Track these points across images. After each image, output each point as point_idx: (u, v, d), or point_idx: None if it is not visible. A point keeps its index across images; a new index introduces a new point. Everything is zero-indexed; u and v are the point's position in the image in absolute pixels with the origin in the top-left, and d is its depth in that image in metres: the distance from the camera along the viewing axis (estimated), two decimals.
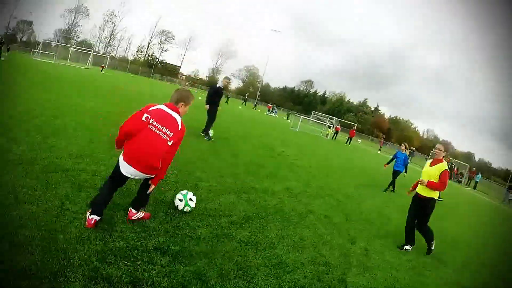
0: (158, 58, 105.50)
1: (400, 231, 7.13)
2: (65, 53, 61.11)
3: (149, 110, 3.82)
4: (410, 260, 5.86)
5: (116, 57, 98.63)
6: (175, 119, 3.89)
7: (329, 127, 37.40)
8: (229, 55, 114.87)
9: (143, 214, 4.30)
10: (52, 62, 42.65)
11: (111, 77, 38.90)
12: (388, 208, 9.56)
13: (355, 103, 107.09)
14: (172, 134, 3.81)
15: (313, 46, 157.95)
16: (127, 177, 3.87)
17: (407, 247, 6.30)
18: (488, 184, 51.72)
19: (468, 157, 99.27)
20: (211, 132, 11.73)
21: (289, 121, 45.24)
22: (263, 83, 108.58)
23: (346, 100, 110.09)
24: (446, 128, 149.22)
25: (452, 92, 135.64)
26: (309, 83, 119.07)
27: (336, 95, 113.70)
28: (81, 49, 59.72)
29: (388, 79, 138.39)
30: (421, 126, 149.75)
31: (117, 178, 3.90)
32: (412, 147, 58.12)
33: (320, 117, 50.87)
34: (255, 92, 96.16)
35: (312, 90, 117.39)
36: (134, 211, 4.17)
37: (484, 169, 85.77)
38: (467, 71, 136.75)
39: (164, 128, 3.78)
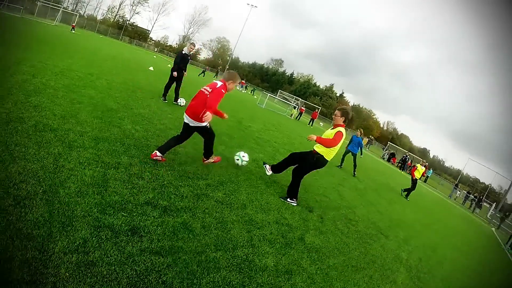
0: (129, 21, 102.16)
1: (351, 205, 8.10)
2: (32, 7, 58.19)
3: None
4: (358, 231, 6.82)
5: (84, 15, 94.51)
6: (216, 83, 5.81)
7: (294, 107, 38.25)
8: (201, 24, 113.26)
9: (214, 158, 6.66)
10: (19, 16, 40.84)
11: (82, 37, 37.84)
12: (342, 186, 10.54)
13: (321, 87, 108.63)
14: (210, 90, 5.68)
15: (289, 26, 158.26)
16: (186, 124, 5.89)
17: (267, 169, 7.10)
18: (439, 180, 54.68)
19: (424, 152, 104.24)
20: (183, 100, 12.32)
21: (255, 97, 45.84)
22: (233, 56, 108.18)
23: (313, 83, 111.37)
24: (406, 123, 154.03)
25: (417, 89, 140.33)
26: (279, 61, 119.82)
27: (304, 76, 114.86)
28: (49, 4, 56.81)
29: (358, 68, 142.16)
30: (382, 117, 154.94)
31: (183, 128, 6.01)
32: (370, 136, 60.41)
33: (286, 97, 51.52)
34: (224, 65, 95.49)
35: (281, 69, 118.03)
36: (205, 159, 6.52)
37: (437, 166, 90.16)
38: (434, 71, 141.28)
39: (208, 88, 5.78)
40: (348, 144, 15.03)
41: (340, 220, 6.95)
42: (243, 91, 52.45)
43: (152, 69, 23.36)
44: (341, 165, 14.76)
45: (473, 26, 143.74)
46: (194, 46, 12.67)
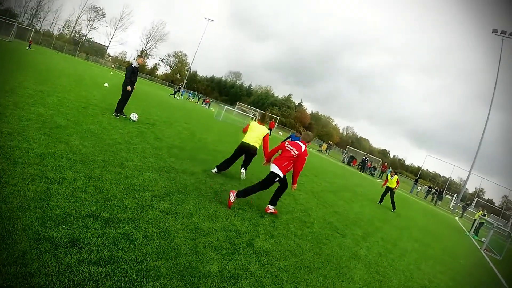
0: (86, 36, 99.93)
1: (306, 208, 8.37)
2: None
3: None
4: (313, 232, 7.01)
5: (41, 30, 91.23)
6: (300, 146, 6.83)
7: (252, 118, 38.54)
8: (159, 39, 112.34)
9: (275, 210, 7.25)
10: None
11: (37, 54, 36.75)
12: (298, 190, 10.69)
13: (279, 97, 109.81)
14: (297, 152, 6.79)
15: (247, 39, 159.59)
16: (274, 173, 6.75)
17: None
18: (401, 178, 56.67)
19: (384, 153, 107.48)
20: (135, 115, 12.29)
21: (212, 110, 45.90)
22: (191, 70, 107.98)
23: (271, 94, 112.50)
24: (365, 127, 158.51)
25: (374, 93, 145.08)
26: (237, 74, 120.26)
27: (262, 88, 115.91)
28: (4, 18, 54.24)
29: (316, 76, 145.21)
30: (342, 123, 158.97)
31: (270, 176, 6.80)
32: (330, 142, 61.89)
33: (244, 109, 51.88)
34: (182, 79, 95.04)
35: (239, 82, 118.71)
36: (270, 207, 7.18)
37: (398, 165, 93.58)
38: (389, 75, 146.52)
39: (292, 148, 6.90)
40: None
41: (294, 223, 7.12)
42: (206, 107, 52.19)
43: (107, 86, 23.04)
44: None
45: (425, 31, 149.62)
46: (144, 58, 12.75)
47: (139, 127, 11.37)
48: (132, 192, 5.47)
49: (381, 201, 16.33)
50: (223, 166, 8.73)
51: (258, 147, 8.70)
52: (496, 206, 65.46)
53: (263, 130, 8.84)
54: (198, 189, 6.88)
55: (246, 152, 8.81)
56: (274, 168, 6.78)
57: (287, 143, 7.08)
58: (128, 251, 3.75)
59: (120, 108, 12.28)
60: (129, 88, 12.10)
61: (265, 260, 4.81)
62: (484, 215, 21.80)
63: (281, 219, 7.06)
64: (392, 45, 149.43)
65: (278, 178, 6.77)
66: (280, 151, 7.25)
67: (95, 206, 4.50)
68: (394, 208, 15.80)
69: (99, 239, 3.77)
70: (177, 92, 55.49)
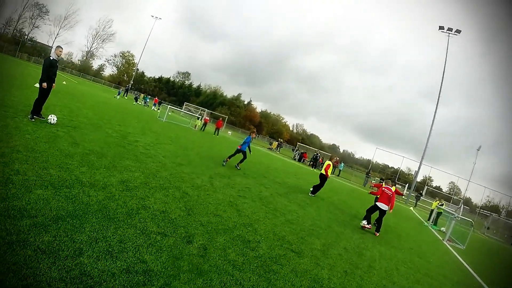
0: (27, 35, 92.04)
1: (251, 221, 6.83)
2: None
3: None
4: (260, 256, 5.40)
5: None
6: (391, 189, 11.72)
7: (198, 118, 36.78)
8: (106, 38, 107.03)
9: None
10: None
11: None
12: (243, 198, 9.15)
13: (228, 97, 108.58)
14: (391, 193, 11.61)
15: (197, 39, 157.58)
16: (380, 208, 11.47)
17: None
18: (351, 171, 57.62)
19: (333, 148, 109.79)
20: (54, 118, 10.31)
21: (158, 110, 43.61)
22: (139, 71, 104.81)
23: (220, 93, 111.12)
24: (315, 123, 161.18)
25: (322, 92, 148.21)
26: (186, 74, 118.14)
27: (211, 88, 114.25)
28: None
29: (266, 76, 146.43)
30: (292, 121, 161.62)
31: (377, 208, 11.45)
32: (280, 139, 61.48)
33: (192, 109, 50.23)
34: (128, 80, 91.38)
35: (187, 82, 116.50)
36: (376, 232, 11.26)
37: (348, 159, 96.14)
38: (338, 74, 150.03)
39: (387, 191, 11.55)
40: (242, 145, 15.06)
41: (234, 245, 5.47)
42: (155, 109, 49.44)
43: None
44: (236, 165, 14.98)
45: (370, 31, 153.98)
46: (62, 48, 10.79)
47: (55, 131, 9.33)
48: (3, 221, 3.74)
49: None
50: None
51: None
52: (444, 192, 68.48)
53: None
54: (105, 208, 5.11)
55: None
56: (381, 206, 11.43)
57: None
58: None
59: (36, 109, 10.25)
60: (44, 85, 10.21)
61: None
62: (442, 205, 21.67)
63: (216, 242, 5.35)
64: (340, 44, 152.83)
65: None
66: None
67: None
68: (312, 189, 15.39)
69: None
70: (126, 92, 53.11)
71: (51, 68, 10.37)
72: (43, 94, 10.40)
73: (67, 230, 4.07)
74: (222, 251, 5.09)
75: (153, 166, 9.11)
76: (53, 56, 10.46)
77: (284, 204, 10.38)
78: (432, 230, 19.50)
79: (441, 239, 16.62)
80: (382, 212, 11.56)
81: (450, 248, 14.58)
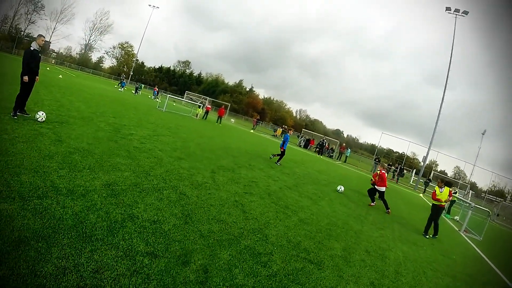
0: (24, 31, 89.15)
1: (261, 225, 5.85)
2: None
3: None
4: (274, 274, 4.44)
5: None
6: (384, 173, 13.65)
7: (199, 106, 35.73)
8: (103, 30, 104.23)
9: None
10: None
11: None
12: (249, 194, 8.20)
13: (230, 84, 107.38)
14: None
15: (198, 28, 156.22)
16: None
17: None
18: (358, 157, 56.58)
19: (337, 133, 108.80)
20: (42, 114, 9.34)
21: (158, 101, 42.57)
22: (139, 62, 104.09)
23: (221, 81, 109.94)
24: (318, 109, 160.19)
25: (325, 78, 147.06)
26: (186, 63, 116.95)
27: (212, 76, 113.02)
28: None
29: (268, 63, 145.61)
30: (295, 106, 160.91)
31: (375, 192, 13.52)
32: (284, 126, 60.51)
33: (193, 97, 49.25)
34: (129, 71, 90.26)
35: (188, 71, 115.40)
36: (387, 210, 12.92)
37: (352, 144, 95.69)
38: (340, 60, 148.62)
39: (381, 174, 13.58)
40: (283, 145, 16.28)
41: (241, 262, 4.47)
42: (156, 99, 48.25)
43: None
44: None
45: (371, 17, 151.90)
46: (44, 37, 9.77)
47: (38, 128, 8.33)
48: None
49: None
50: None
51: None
52: (449, 176, 67.75)
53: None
54: (81, 224, 4.09)
55: None
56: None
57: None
58: None
59: (19, 105, 9.23)
60: (26, 78, 9.16)
61: None
62: (455, 193, 20.53)
63: (220, 260, 4.33)
64: (343, 29, 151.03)
65: None
66: None
67: None
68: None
69: None
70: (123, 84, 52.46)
71: (32, 59, 9.35)
72: (25, 88, 9.37)
73: (29, 259, 3.12)
74: (227, 272, 4.10)
75: (147, 163, 8.10)
76: (34, 46, 9.42)
77: (295, 199, 9.41)
78: (446, 218, 18.55)
79: (457, 229, 15.76)
80: (381, 193, 13.24)
81: (467, 239, 13.72)
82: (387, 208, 12.87)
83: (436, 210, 11.32)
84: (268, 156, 17.55)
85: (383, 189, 13.13)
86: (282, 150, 15.97)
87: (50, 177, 5.28)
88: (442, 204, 11.23)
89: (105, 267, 3.38)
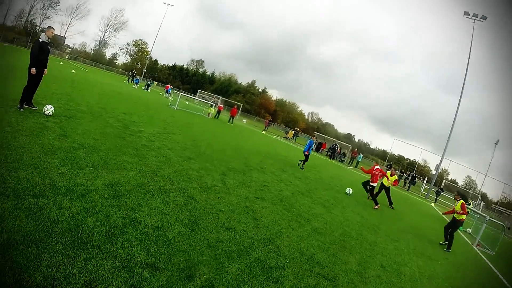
0: (39, 26, 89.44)
1: (272, 234, 5.45)
2: None
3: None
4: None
5: None
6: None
7: (211, 105, 35.47)
8: (118, 27, 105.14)
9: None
10: None
11: None
12: (261, 199, 7.81)
13: (243, 84, 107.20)
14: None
15: (212, 27, 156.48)
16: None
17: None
18: (369, 162, 56.01)
19: (348, 138, 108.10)
20: (50, 108, 9.06)
21: (171, 98, 42.38)
22: (153, 59, 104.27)
23: (234, 81, 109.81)
24: (330, 112, 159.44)
25: (337, 80, 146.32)
26: (200, 62, 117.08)
27: (226, 75, 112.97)
28: None
29: (281, 64, 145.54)
30: (307, 109, 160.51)
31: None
32: (296, 128, 60.11)
33: (205, 96, 49.18)
34: (142, 68, 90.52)
35: (201, 70, 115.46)
36: (391, 205, 15.34)
37: (364, 149, 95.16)
38: (352, 62, 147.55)
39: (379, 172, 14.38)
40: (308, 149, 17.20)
41: (251, 277, 4.08)
42: (168, 97, 48.00)
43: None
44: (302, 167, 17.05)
45: (384, 18, 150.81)
46: (54, 29, 9.50)
47: (44, 122, 8.06)
48: None
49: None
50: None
51: None
52: (460, 186, 66.52)
53: None
54: (77, 228, 3.74)
55: None
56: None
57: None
58: None
59: (26, 98, 8.97)
60: (33, 70, 8.88)
61: None
62: (469, 204, 19.90)
63: (229, 274, 3.95)
64: (356, 32, 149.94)
65: None
66: None
67: None
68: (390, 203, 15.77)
69: None
70: (131, 78, 52.70)
71: (41, 51, 9.08)
72: (33, 81, 9.09)
73: (15, 266, 2.79)
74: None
75: (155, 162, 7.76)
76: (43, 38, 9.16)
77: (308, 206, 9.00)
78: (459, 231, 18.04)
79: (470, 243, 15.22)
80: (371, 188, 14.24)
81: (480, 254, 13.20)
82: (376, 204, 13.65)
83: (454, 222, 11.33)
84: (281, 158, 17.24)
85: (374, 184, 14.13)
86: (306, 154, 16.89)
87: (49, 174, 4.95)
88: (463, 217, 11.25)
89: (99, 279, 3.02)
